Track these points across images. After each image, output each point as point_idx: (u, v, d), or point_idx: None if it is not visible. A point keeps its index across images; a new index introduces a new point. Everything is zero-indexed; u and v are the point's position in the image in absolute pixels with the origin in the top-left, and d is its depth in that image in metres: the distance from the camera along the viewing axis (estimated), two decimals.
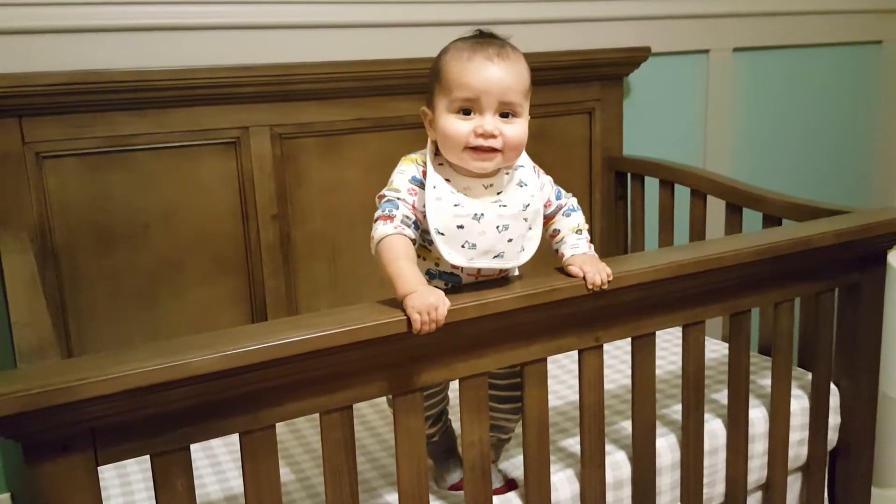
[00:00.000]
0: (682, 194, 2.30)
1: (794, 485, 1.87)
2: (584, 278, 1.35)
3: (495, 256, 1.33)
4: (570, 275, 1.37)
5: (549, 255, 1.46)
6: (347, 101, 2.08)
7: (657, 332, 1.53)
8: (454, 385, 1.37)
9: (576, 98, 2.42)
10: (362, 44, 2.13)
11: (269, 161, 2.02)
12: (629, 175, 2.48)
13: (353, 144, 2.12)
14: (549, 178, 1.46)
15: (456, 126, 1.30)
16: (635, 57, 2.45)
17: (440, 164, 1.34)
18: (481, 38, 1.34)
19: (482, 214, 1.31)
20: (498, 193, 1.35)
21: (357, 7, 2.13)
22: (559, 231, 1.44)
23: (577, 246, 1.41)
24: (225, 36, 1.99)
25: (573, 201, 1.48)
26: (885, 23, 3.11)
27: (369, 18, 2.15)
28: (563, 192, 1.47)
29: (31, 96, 1.75)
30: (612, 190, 2.51)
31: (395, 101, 2.11)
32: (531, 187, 1.38)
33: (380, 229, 1.28)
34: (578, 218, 1.45)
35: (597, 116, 2.46)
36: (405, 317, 1.20)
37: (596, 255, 1.41)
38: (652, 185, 2.40)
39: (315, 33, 2.09)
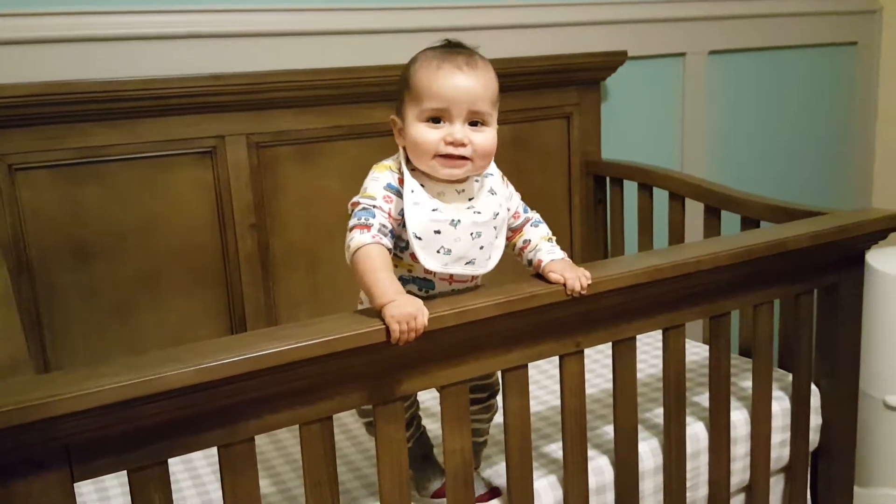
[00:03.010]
0: (660, 197, 2.30)
1: (776, 486, 1.87)
2: (564, 284, 1.35)
3: (467, 263, 1.34)
4: (549, 282, 1.36)
5: (524, 266, 1.46)
6: (322, 109, 2.07)
7: (637, 336, 1.53)
8: (425, 395, 1.36)
9: (553, 103, 2.42)
10: (336, 51, 2.13)
11: (246, 170, 2.00)
12: (608, 179, 2.49)
13: (330, 152, 2.11)
14: (517, 193, 1.48)
15: (425, 134, 1.30)
16: (612, 61, 2.45)
17: (412, 170, 1.34)
18: (450, 47, 1.35)
19: (459, 221, 1.31)
20: (470, 199, 1.36)
21: (330, 14, 2.12)
22: (530, 241, 1.44)
23: (553, 252, 1.41)
24: (198, 45, 1.98)
25: (538, 215, 1.49)
26: (860, 24, 3.13)
27: (342, 26, 2.14)
28: (527, 206, 1.49)
29: (2, 108, 1.72)
30: (591, 194, 2.51)
31: (370, 108, 2.10)
32: (500, 196, 1.39)
33: (356, 238, 1.27)
34: (546, 228, 1.47)
35: (574, 121, 2.46)
36: (384, 326, 1.19)
37: (572, 262, 1.40)
38: (630, 188, 2.41)
39: (288, 41, 2.08)
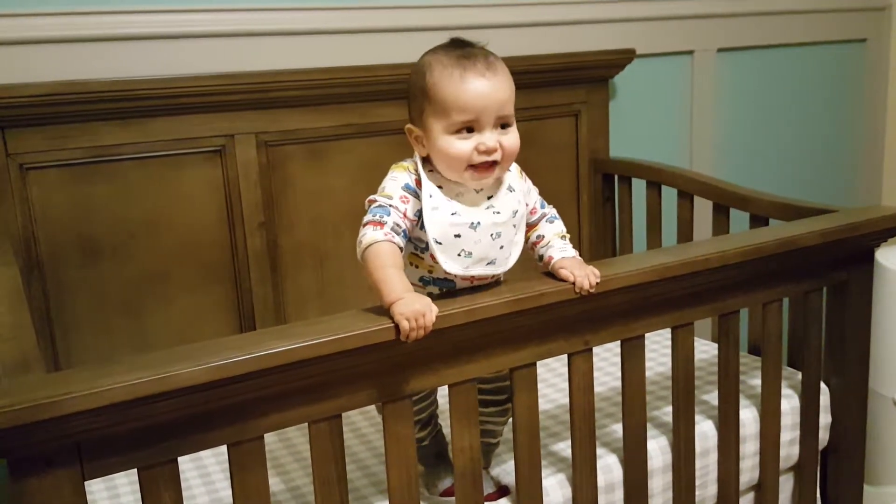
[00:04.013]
0: (669, 195, 2.30)
1: (786, 485, 1.87)
2: (573, 283, 1.35)
3: (488, 263, 1.34)
4: (560, 278, 1.36)
5: (534, 260, 1.46)
6: (332, 108, 2.07)
7: (646, 335, 1.53)
8: (443, 389, 1.37)
9: (561, 101, 2.42)
10: (346, 50, 2.13)
11: (255, 169, 2.01)
12: (616, 177, 2.48)
13: (339, 151, 2.11)
14: (535, 188, 1.47)
15: (458, 147, 1.29)
16: (620, 59, 2.45)
17: (430, 171, 1.34)
18: (462, 49, 1.32)
19: (478, 223, 1.31)
20: (489, 198, 1.35)
21: (340, 13, 2.12)
22: (543, 236, 1.44)
23: (564, 250, 1.41)
24: (208, 44, 1.98)
25: (554, 210, 1.49)
26: (869, 21, 3.12)
27: (352, 24, 2.14)
28: (545, 202, 1.49)
29: (13, 107, 1.73)
30: (600, 192, 2.51)
31: (380, 106, 2.10)
32: (518, 192, 1.39)
33: (369, 235, 1.27)
34: (561, 225, 1.47)
35: (583, 119, 2.46)
36: (393, 324, 1.19)
37: (582, 260, 1.40)
38: (639, 186, 2.40)
39: (298, 40, 2.08)
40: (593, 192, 2.51)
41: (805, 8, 2.92)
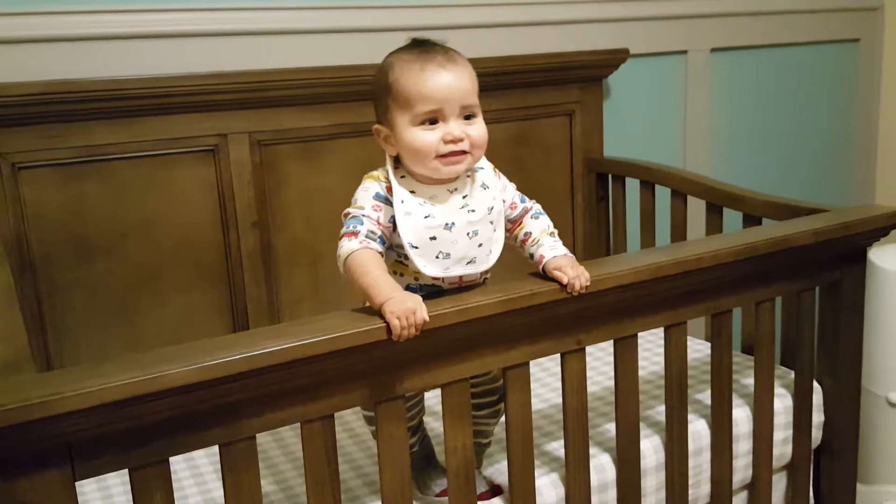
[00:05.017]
0: (662, 195, 2.30)
1: (779, 483, 1.87)
2: (566, 284, 1.34)
3: (468, 263, 1.34)
4: (553, 278, 1.36)
5: (526, 258, 1.46)
6: (325, 107, 2.07)
7: (639, 334, 1.53)
8: (428, 394, 1.37)
9: (555, 100, 2.41)
10: (339, 49, 2.13)
11: (248, 168, 2.01)
12: (610, 176, 2.48)
13: (332, 150, 2.11)
14: (511, 183, 1.47)
15: (423, 138, 1.30)
16: (614, 58, 2.45)
17: (402, 177, 1.35)
18: (422, 46, 1.34)
19: (453, 223, 1.32)
20: (463, 197, 1.36)
21: (332, 12, 2.12)
22: (531, 234, 1.43)
23: (555, 248, 1.40)
24: (200, 43, 1.98)
25: (538, 206, 1.49)
26: (863, 21, 3.13)
27: (345, 24, 2.14)
28: (525, 196, 1.48)
29: (4, 107, 1.73)
30: (594, 192, 2.51)
31: (373, 106, 2.09)
32: (493, 189, 1.39)
33: (345, 246, 1.28)
34: (547, 220, 1.46)
35: (577, 118, 2.46)
36: (384, 324, 1.19)
37: (574, 257, 1.40)
38: (633, 186, 2.40)
39: (291, 39, 2.08)
40: (587, 192, 2.51)
41: (798, 8, 2.93)
